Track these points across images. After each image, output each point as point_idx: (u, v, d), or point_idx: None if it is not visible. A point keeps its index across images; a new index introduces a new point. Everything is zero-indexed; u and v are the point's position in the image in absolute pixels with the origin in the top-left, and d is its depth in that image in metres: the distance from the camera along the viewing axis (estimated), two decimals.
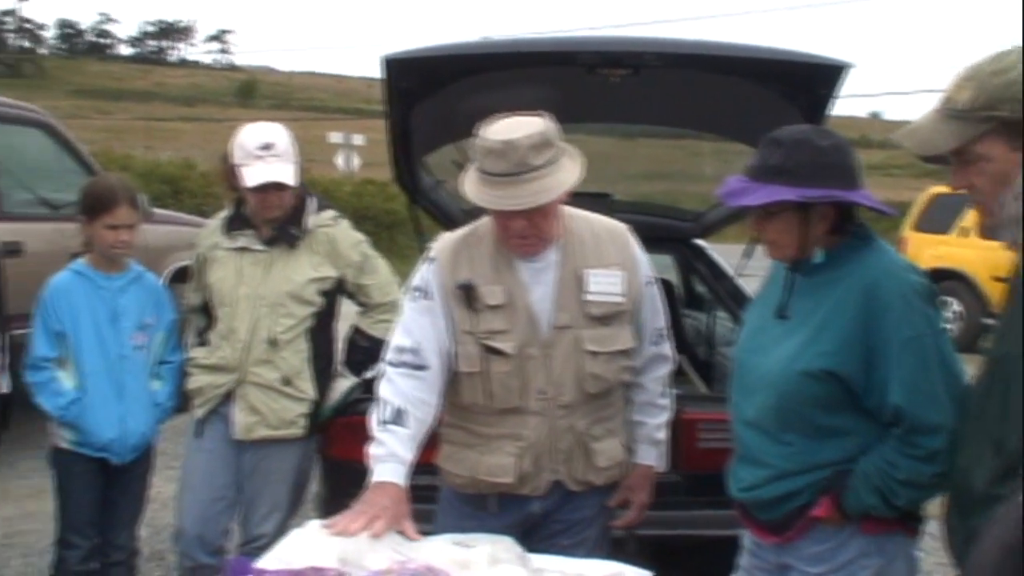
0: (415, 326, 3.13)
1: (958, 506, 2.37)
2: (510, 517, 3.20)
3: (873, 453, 2.68)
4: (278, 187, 3.94)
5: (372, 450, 2.95)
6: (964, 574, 2.21)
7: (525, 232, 3.03)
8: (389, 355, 3.13)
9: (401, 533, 2.77)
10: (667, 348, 3.41)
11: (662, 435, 3.43)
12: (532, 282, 3.13)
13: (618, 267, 3.18)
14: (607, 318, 3.15)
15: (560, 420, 3.15)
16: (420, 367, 3.07)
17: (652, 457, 3.41)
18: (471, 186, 3.03)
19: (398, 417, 2.98)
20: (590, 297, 3.13)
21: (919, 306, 2.63)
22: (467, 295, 3.11)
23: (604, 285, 3.14)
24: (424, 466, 3.20)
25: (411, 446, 2.97)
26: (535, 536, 3.18)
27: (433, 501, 3.39)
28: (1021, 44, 2.33)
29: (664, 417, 3.43)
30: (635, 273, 3.22)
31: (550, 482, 3.19)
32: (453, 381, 3.18)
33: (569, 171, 3.02)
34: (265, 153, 3.91)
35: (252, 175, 3.90)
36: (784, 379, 2.73)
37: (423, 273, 3.20)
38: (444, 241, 3.29)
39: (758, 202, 2.70)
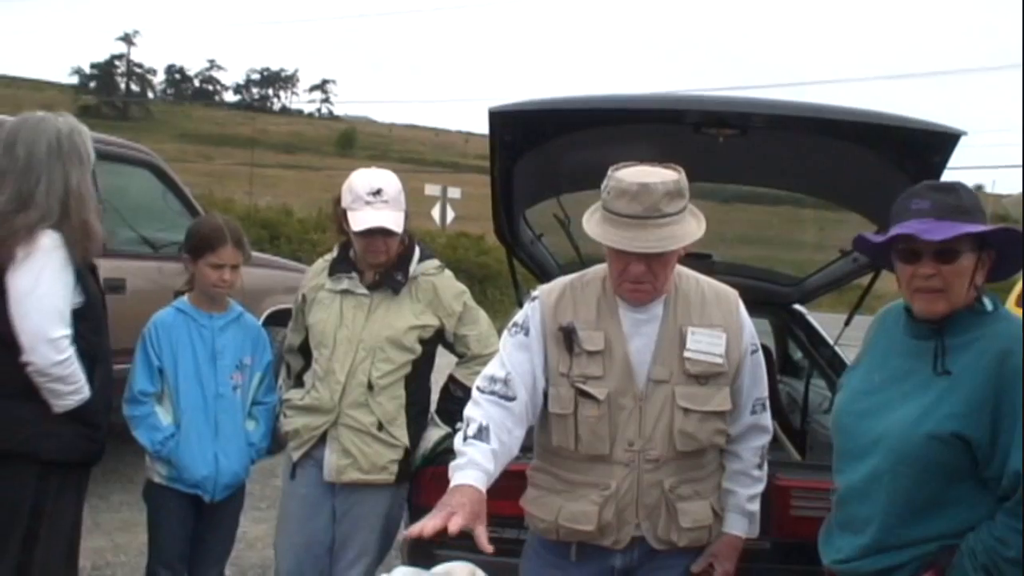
0: (509, 359, 3.16)
1: None
2: (591, 569, 3.20)
3: (982, 529, 2.60)
4: (385, 233, 3.98)
5: (453, 463, 2.93)
6: None
7: (642, 278, 3.04)
8: (481, 382, 3.16)
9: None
10: (766, 419, 3.36)
11: (754, 507, 3.36)
12: (633, 333, 3.15)
13: (721, 329, 3.17)
14: (704, 377, 3.14)
15: (647, 474, 3.13)
16: (508, 397, 3.08)
17: (741, 527, 3.34)
18: (595, 226, 3.05)
19: (480, 433, 2.97)
20: (689, 355, 3.13)
21: None
22: (567, 338, 3.13)
23: (705, 344, 3.14)
24: (512, 518, 3.18)
25: (492, 459, 2.92)
26: None
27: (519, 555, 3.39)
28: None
29: (758, 489, 3.37)
30: (738, 338, 3.21)
31: (632, 537, 3.17)
32: (544, 422, 3.20)
33: (695, 226, 3.05)
34: (375, 199, 3.96)
35: (360, 220, 3.95)
36: (905, 442, 2.67)
37: (525, 310, 3.26)
38: (551, 284, 3.33)
39: (975, 230, 2.66)
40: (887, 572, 2.72)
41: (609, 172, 3.06)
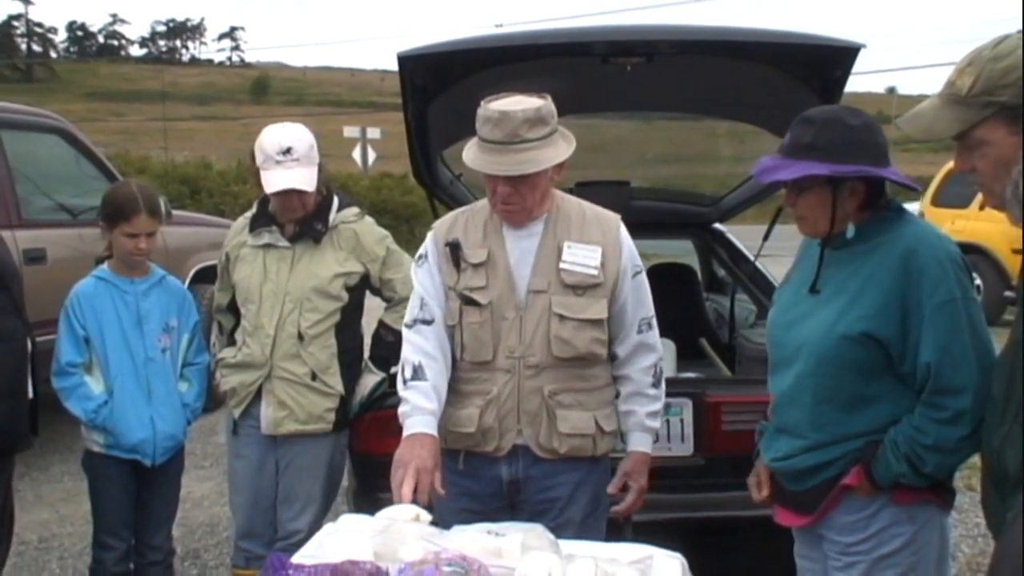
0: (421, 286, 3.40)
1: (995, 485, 2.38)
2: (480, 480, 3.33)
3: (903, 422, 2.76)
4: (299, 191, 3.98)
5: (400, 409, 3.22)
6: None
7: (510, 199, 3.22)
8: (406, 319, 3.40)
9: (435, 524, 2.80)
10: (653, 337, 3.45)
11: (654, 423, 3.45)
12: (515, 248, 3.34)
13: (598, 245, 3.32)
14: (580, 288, 3.28)
15: (528, 380, 3.28)
16: (427, 321, 3.34)
17: (646, 443, 3.44)
18: (469, 151, 3.26)
19: (416, 373, 3.24)
20: (565, 266, 3.28)
21: (953, 272, 2.71)
22: (453, 253, 3.35)
23: (580, 257, 3.29)
24: None
25: (433, 396, 3.22)
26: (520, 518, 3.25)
27: None
28: (1022, 36, 2.35)
29: (655, 407, 3.45)
30: (616, 256, 3.33)
31: (514, 445, 3.30)
32: None
33: (560, 150, 3.22)
34: (285, 158, 3.95)
35: (271, 181, 3.94)
36: (823, 345, 2.81)
37: (425, 241, 3.46)
38: (445, 215, 3.53)
39: (790, 177, 2.80)
40: (820, 468, 2.88)
41: (481, 103, 3.19)
